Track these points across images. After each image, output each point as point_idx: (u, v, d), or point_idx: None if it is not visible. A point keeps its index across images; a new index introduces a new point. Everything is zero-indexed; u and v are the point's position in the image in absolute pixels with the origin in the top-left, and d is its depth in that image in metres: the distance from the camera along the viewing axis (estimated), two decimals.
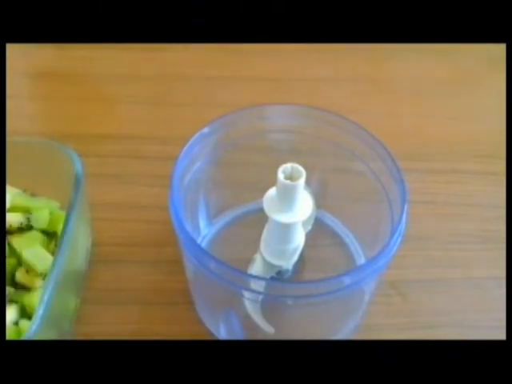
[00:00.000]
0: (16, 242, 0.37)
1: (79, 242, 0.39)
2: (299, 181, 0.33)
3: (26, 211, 0.39)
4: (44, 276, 0.36)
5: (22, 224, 0.38)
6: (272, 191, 0.35)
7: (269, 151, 0.40)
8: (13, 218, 0.38)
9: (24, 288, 0.37)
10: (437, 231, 0.45)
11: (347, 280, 0.32)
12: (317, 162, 0.40)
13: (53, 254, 0.37)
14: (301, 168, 0.33)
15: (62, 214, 0.37)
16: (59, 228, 0.37)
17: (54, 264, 0.33)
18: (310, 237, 0.38)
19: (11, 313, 0.35)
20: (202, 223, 0.43)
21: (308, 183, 0.34)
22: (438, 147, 0.52)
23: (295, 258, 0.37)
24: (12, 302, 0.36)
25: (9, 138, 0.38)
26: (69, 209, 0.35)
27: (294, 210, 0.34)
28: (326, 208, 0.43)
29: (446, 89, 0.58)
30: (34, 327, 0.30)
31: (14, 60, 0.54)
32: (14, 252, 0.37)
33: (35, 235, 0.38)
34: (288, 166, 0.33)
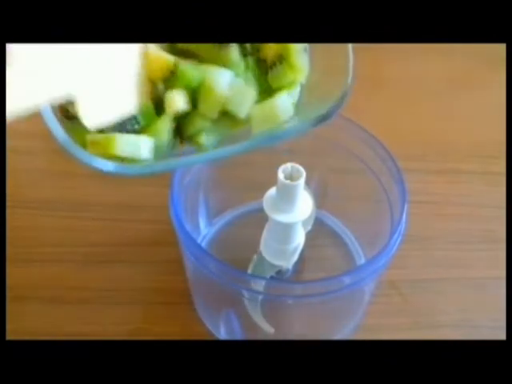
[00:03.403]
0: None
1: None
2: (299, 181, 0.33)
3: None
4: None
5: None
6: (272, 191, 0.35)
7: (269, 151, 0.40)
8: None
9: None
10: (437, 231, 0.45)
11: (347, 280, 0.32)
12: (317, 162, 0.40)
13: None
14: (301, 168, 0.33)
15: None
16: None
17: None
18: (309, 237, 0.38)
19: None
20: (202, 223, 0.43)
21: (308, 183, 0.34)
22: (438, 147, 0.52)
23: (295, 257, 0.37)
24: None
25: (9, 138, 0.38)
26: None
27: (294, 209, 0.34)
28: (326, 208, 0.43)
29: (446, 89, 0.58)
30: None
31: None
32: None
33: None
34: (288, 165, 0.33)
